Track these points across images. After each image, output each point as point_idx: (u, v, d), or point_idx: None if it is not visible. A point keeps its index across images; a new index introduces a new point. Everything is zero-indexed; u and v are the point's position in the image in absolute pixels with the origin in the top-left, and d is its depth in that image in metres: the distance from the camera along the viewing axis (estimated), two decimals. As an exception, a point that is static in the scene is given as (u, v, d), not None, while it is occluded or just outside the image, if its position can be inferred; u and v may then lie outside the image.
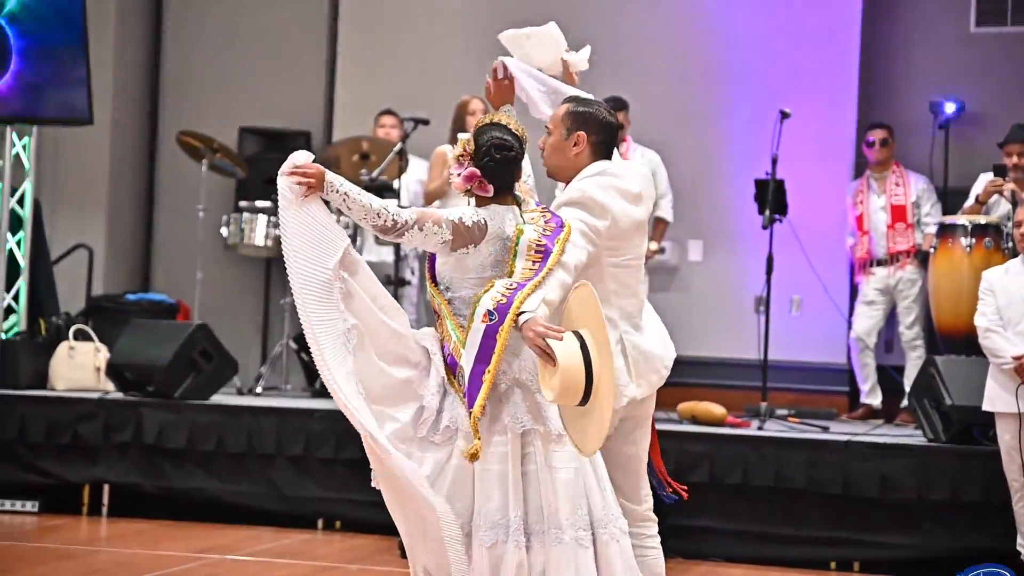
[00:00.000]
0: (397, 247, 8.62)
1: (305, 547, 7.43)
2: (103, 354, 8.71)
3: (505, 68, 4.85)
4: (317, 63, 10.83)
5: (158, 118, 11.10)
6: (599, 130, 4.60)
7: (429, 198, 8.77)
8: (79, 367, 8.66)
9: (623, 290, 4.55)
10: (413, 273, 9.09)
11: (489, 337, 4.18)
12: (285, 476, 7.97)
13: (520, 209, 4.53)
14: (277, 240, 8.94)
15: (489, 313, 4.19)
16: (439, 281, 4.48)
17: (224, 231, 9.19)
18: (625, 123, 8.62)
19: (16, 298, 9.13)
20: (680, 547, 7.27)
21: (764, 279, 8.41)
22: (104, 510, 8.06)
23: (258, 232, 9.09)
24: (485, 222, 4.40)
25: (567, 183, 4.58)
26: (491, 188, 4.46)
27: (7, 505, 8.10)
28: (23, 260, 9.14)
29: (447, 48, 10.36)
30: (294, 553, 7.20)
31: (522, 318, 4.16)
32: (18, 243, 9.18)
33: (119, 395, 8.35)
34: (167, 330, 8.70)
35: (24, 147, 9.25)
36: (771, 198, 8.31)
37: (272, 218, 9.08)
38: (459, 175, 4.46)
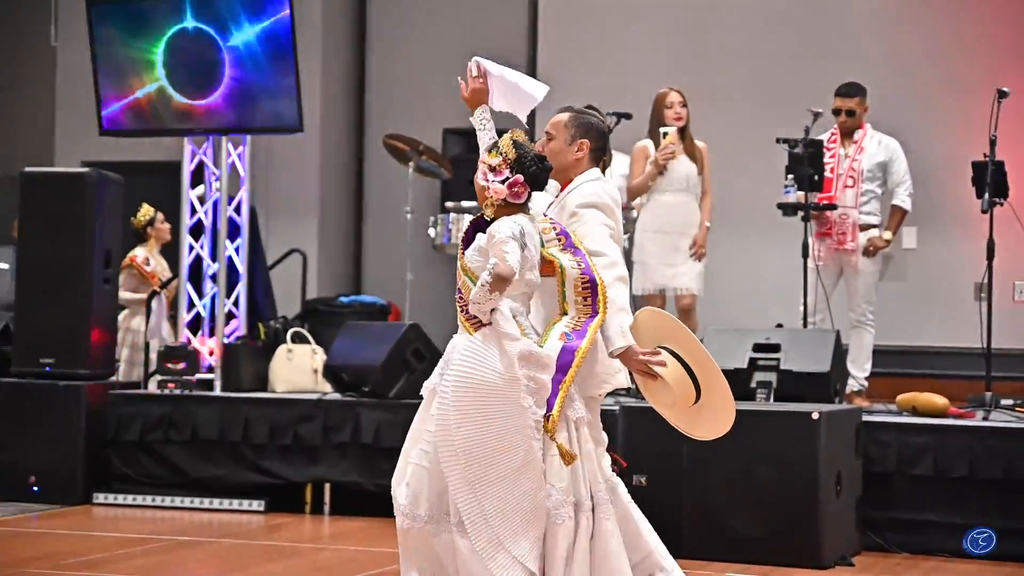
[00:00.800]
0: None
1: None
2: (320, 356, 8.85)
3: (479, 67, 5.10)
4: (517, 62, 10.83)
5: (364, 123, 11.27)
6: (598, 137, 4.99)
7: (632, 194, 8.68)
8: (297, 369, 8.82)
9: None
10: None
11: (568, 353, 4.66)
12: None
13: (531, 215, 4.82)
14: (483, 239, 9.14)
15: (566, 335, 4.70)
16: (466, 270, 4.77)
17: (431, 232, 9.27)
18: (861, 109, 8.45)
19: (236, 303, 9.35)
20: (906, 542, 7.15)
21: (984, 265, 8.12)
22: (326, 508, 8.18)
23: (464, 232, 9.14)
24: (524, 229, 4.70)
25: (564, 185, 4.95)
26: (526, 195, 4.75)
27: (235, 505, 8.31)
28: (241, 266, 9.35)
29: (646, 42, 10.31)
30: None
31: (610, 347, 4.72)
32: (236, 250, 9.40)
33: (336, 396, 8.48)
34: (380, 331, 8.81)
35: (239, 157, 9.47)
36: (990, 180, 8.03)
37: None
38: (503, 182, 4.72)
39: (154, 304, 9.46)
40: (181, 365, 8.95)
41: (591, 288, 4.76)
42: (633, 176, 8.56)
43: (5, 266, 10.76)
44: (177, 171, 9.78)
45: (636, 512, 4.99)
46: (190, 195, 9.50)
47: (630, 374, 4.91)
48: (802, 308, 8.39)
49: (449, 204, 9.41)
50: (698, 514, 6.87)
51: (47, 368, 8.72)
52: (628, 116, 8.68)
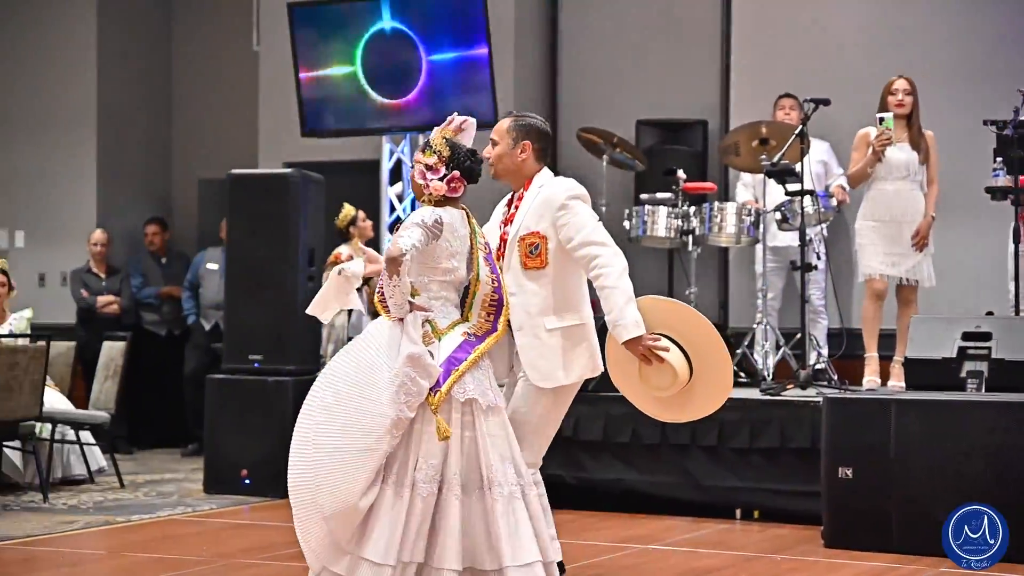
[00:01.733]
0: (802, 232, 8.41)
1: (725, 536, 7.37)
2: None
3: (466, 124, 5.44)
4: (711, 51, 10.73)
5: (557, 117, 11.24)
6: (539, 138, 5.42)
7: (853, 181, 8.51)
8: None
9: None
10: (819, 257, 8.86)
11: (468, 348, 5.11)
12: (700, 466, 7.93)
13: (469, 215, 5.26)
14: (679, 230, 9.06)
15: (468, 334, 5.15)
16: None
17: (626, 224, 9.24)
18: None
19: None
20: None
21: None
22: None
23: (660, 223, 9.09)
24: (441, 219, 5.08)
25: (517, 187, 5.40)
26: (462, 189, 5.19)
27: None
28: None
29: (841, 26, 10.10)
30: (715, 543, 7.15)
31: (625, 336, 5.12)
32: (433, 246, 9.48)
33: (535, 389, 8.47)
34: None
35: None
36: None
37: (672, 209, 9.07)
38: (441, 179, 5.16)
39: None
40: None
41: (497, 307, 5.21)
42: (854, 163, 8.45)
43: (215, 267, 11.02)
44: (376, 169, 9.92)
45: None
46: (389, 193, 9.62)
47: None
48: (1012, 295, 8.13)
49: (644, 196, 9.35)
50: (908, 506, 6.74)
51: (255, 364, 8.92)
52: (826, 102, 8.51)
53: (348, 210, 10.06)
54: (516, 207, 5.40)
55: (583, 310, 5.38)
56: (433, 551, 4.98)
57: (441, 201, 5.17)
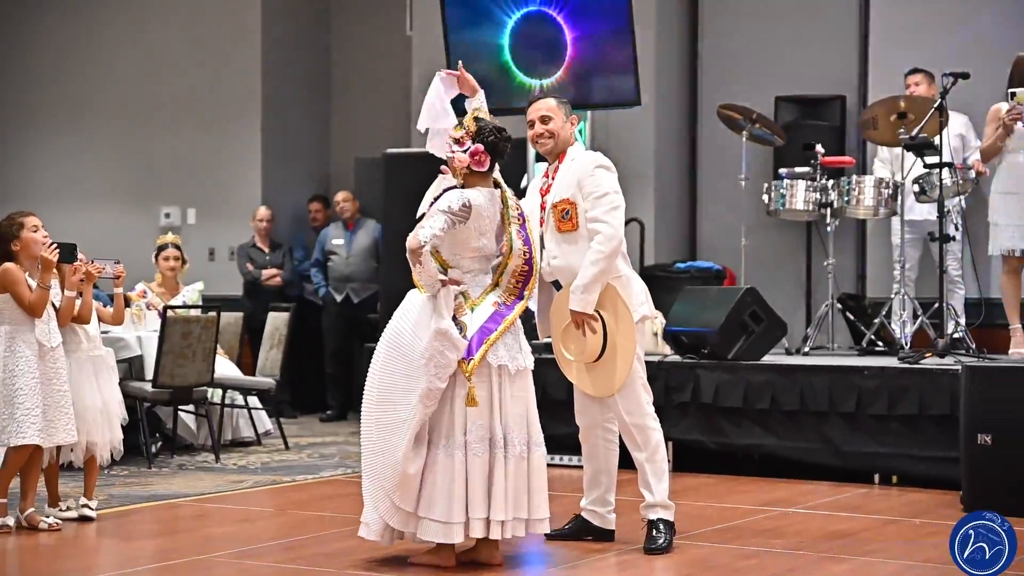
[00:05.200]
0: (940, 204, 8.25)
1: (863, 501, 7.28)
2: (659, 320, 8.79)
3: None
4: (848, 27, 10.54)
5: (697, 94, 11.15)
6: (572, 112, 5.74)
7: (985, 155, 8.42)
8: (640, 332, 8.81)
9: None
10: (957, 229, 8.70)
11: (498, 319, 5.24)
12: (839, 432, 7.86)
13: (502, 191, 5.36)
14: (817, 204, 8.95)
15: (499, 304, 5.27)
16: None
17: (765, 198, 9.19)
18: None
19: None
20: None
21: None
22: (669, 465, 8.14)
23: (798, 197, 9.05)
24: (469, 202, 5.18)
25: (553, 160, 5.64)
26: (488, 163, 5.25)
27: (564, 460, 8.24)
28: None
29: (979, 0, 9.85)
30: (853, 507, 7.07)
31: (576, 306, 5.39)
32: (578, 220, 9.47)
33: (677, 358, 8.44)
34: (717, 295, 8.72)
35: (582, 131, 9.50)
36: None
37: (811, 183, 8.97)
38: (464, 151, 5.23)
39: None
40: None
41: (526, 277, 5.35)
42: (986, 137, 8.34)
43: (340, 242, 11.20)
44: (523, 146, 9.87)
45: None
46: (535, 168, 9.59)
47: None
48: None
49: (782, 170, 9.29)
50: (1047, 474, 6.57)
51: (410, 333, 8.97)
52: (966, 76, 8.36)
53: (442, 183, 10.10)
54: (553, 178, 5.64)
55: (619, 264, 5.61)
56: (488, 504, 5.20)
57: (470, 177, 5.28)
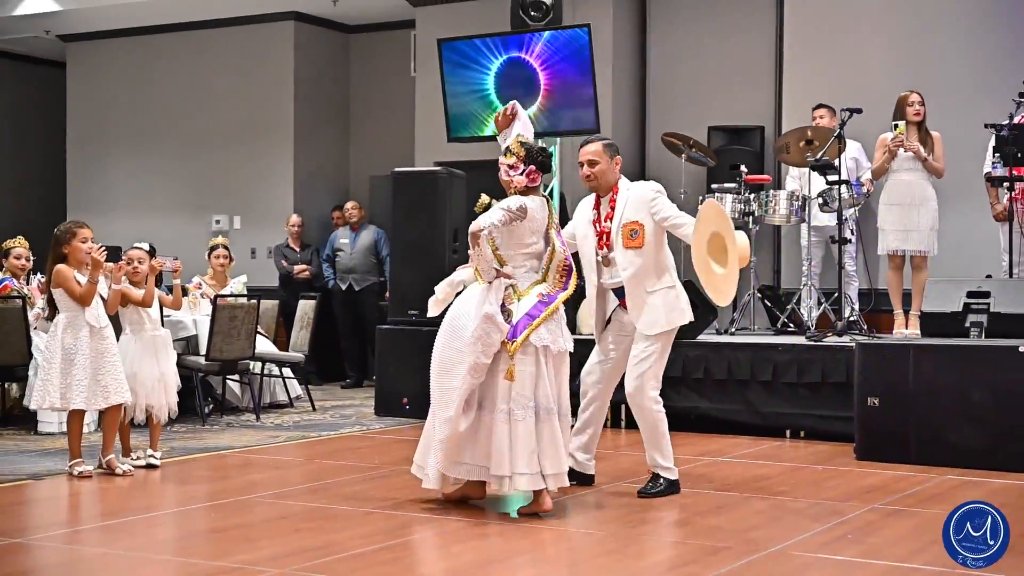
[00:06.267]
0: (839, 214, 8.32)
1: (777, 452, 7.31)
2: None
3: (514, 107, 5.51)
4: (767, 70, 10.59)
5: (646, 123, 11.18)
6: (618, 153, 5.65)
7: (875, 175, 8.52)
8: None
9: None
10: (852, 233, 8.76)
11: (542, 305, 5.10)
12: (758, 396, 7.88)
13: (547, 201, 5.25)
14: (742, 213, 8.99)
15: (543, 295, 5.12)
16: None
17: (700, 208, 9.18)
18: None
19: (550, 266, 9.45)
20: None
21: None
22: (623, 423, 8.23)
23: (727, 208, 9.01)
24: (525, 205, 5.09)
25: (604, 193, 5.57)
26: (539, 179, 5.17)
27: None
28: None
29: (873, 47, 9.91)
30: (769, 456, 7.10)
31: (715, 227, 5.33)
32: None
33: (629, 336, 8.45)
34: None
35: (552, 154, 9.53)
36: None
37: (737, 196, 9.01)
38: (522, 173, 5.15)
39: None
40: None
41: (568, 270, 5.22)
42: (876, 160, 8.43)
43: (346, 241, 11.25)
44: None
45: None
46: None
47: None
48: (1006, 262, 7.96)
49: (714, 186, 9.30)
50: (922, 429, 6.65)
51: (413, 317, 9.01)
52: (859, 111, 8.41)
53: (484, 199, 10.04)
54: (612, 206, 5.59)
55: (672, 277, 5.63)
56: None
57: (524, 191, 5.23)
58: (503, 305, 5.07)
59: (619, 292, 5.69)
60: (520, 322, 5.05)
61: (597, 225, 5.64)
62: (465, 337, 5.07)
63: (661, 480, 5.72)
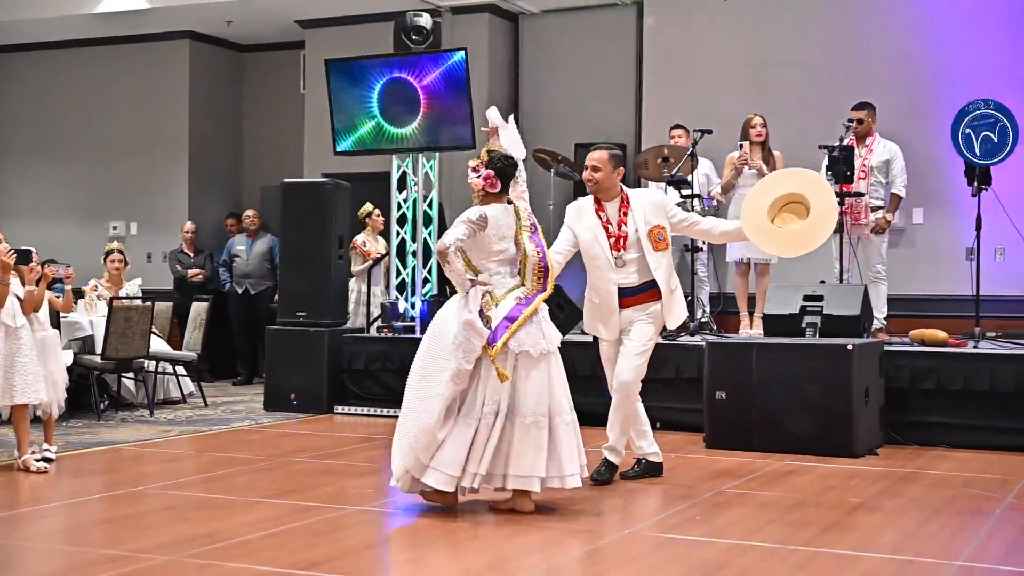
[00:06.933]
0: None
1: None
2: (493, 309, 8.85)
3: (492, 125, 5.38)
4: (628, 95, 10.74)
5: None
6: (623, 163, 5.64)
7: (724, 189, 8.69)
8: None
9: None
10: (703, 242, 8.91)
11: (519, 309, 4.85)
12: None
13: (515, 207, 5.01)
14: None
15: (520, 298, 4.87)
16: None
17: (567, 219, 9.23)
18: (871, 120, 8.26)
19: (430, 272, 9.43)
20: (915, 437, 7.00)
21: (974, 234, 7.86)
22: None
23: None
24: (485, 214, 4.84)
25: (608, 198, 5.51)
26: (499, 185, 4.92)
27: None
28: (433, 245, 9.42)
29: (723, 75, 10.13)
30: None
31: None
32: (430, 233, 9.48)
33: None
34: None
35: (431, 168, 9.52)
36: (978, 173, 7.73)
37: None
38: (479, 177, 4.93)
39: (375, 272, 9.60)
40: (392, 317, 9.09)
41: (544, 271, 4.95)
42: (724, 176, 8.59)
43: (242, 247, 11.07)
44: (387, 179, 9.89)
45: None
46: (396, 195, 9.60)
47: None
48: (837, 269, 8.19)
49: (580, 198, 9.34)
50: (763, 419, 6.79)
51: (301, 318, 8.91)
52: (709, 132, 8.56)
53: (366, 207, 10.06)
54: (624, 212, 5.52)
55: (676, 277, 5.69)
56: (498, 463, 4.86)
57: (486, 197, 4.98)
58: (481, 312, 4.82)
59: (625, 292, 5.54)
60: (500, 326, 4.81)
61: (609, 228, 5.51)
62: (445, 344, 4.82)
63: (643, 463, 5.81)
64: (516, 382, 4.81)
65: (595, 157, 5.55)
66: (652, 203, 5.56)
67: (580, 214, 5.62)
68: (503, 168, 5.00)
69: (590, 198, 5.63)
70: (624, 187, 5.61)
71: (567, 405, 4.94)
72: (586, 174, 5.57)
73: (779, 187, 5.51)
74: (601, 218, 5.54)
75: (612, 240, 5.50)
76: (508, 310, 4.84)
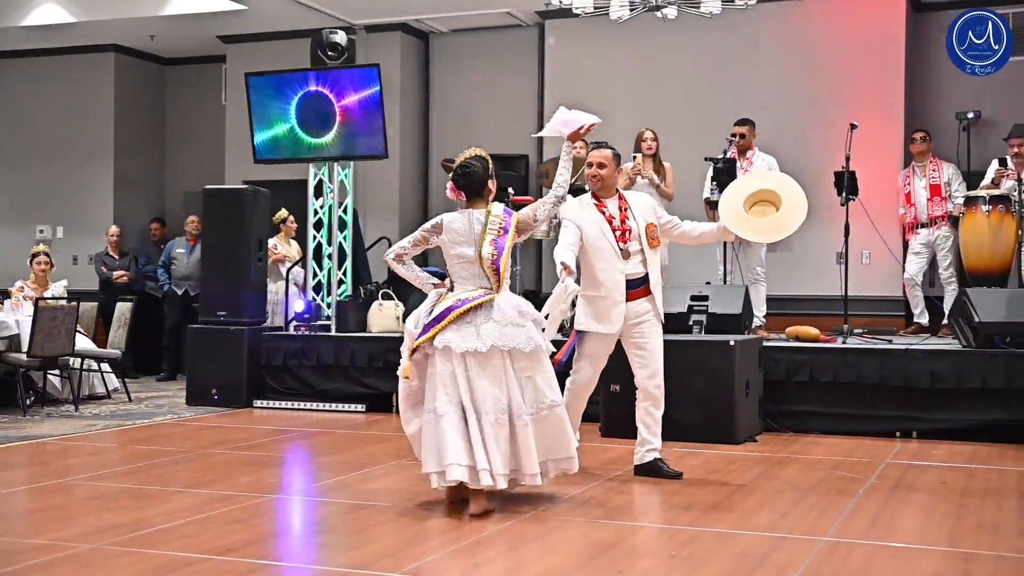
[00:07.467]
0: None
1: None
2: (401, 308, 8.87)
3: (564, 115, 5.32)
4: (530, 109, 10.82)
5: (429, 150, 11.24)
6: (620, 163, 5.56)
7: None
8: (386, 317, 8.84)
9: None
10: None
11: (449, 310, 4.63)
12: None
13: (487, 211, 4.78)
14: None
15: (460, 299, 4.62)
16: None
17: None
18: (751, 135, 8.43)
19: (345, 274, 9.38)
20: (790, 424, 7.16)
21: (842, 240, 8.09)
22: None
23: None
24: (441, 222, 4.73)
25: (606, 195, 5.44)
26: (462, 194, 4.78)
27: (345, 407, 8.35)
28: (348, 248, 9.37)
29: (617, 93, 10.26)
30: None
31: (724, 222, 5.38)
32: (344, 237, 9.42)
33: (413, 333, 8.45)
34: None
35: (346, 176, 9.46)
36: (846, 184, 7.98)
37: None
38: (448, 187, 4.87)
39: (292, 275, 9.50)
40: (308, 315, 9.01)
41: (495, 273, 4.71)
42: (619, 185, 8.59)
43: (182, 251, 10.85)
44: (305, 186, 9.80)
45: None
46: (313, 201, 9.51)
47: None
48: (721, 271, 8.36)
49: (574, 197, 9.35)
50: (653, 409, 6.85)
51: (221, 317, 8.79)
52: (604, 144, 8.58)
53: (281, 212, 9.97)
54: (624, 208, 5.44)
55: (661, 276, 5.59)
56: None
57: (467, 202, 4.82)
58: (431, 311, 4.71)
59: (631, 284, 5.42)
60: (427, 325, 4.66)
61: (613, 222, 5.40)
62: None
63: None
64: (469, 380, 4.59)
65: (600, 155, 5.47)
66: (645, 203, 5.52)
67: (582, 210, 5.47)
68: (456, 179, 4.82)
69: (587, 196, 5.53)
70: (618, 187, 5.55)
71: (523, 408, 4.65)
72: (591, 171, 5.46)
73: (750, 185, 5.55)
74: (604, 213, 5.44)
75: (617, 232, 5.39)
76: (442, 309, 4.68)
